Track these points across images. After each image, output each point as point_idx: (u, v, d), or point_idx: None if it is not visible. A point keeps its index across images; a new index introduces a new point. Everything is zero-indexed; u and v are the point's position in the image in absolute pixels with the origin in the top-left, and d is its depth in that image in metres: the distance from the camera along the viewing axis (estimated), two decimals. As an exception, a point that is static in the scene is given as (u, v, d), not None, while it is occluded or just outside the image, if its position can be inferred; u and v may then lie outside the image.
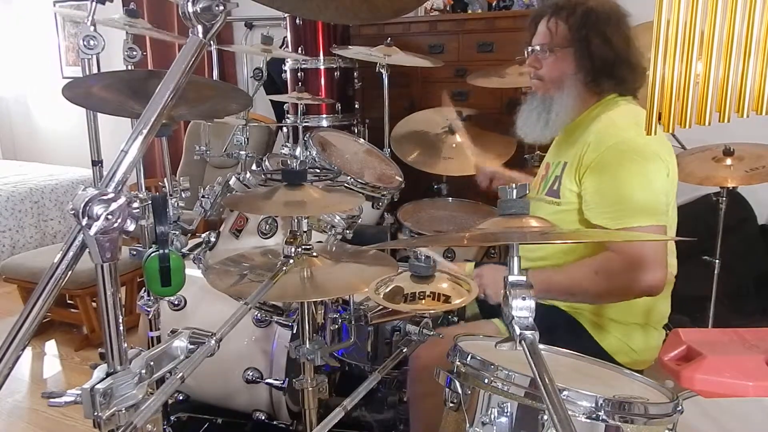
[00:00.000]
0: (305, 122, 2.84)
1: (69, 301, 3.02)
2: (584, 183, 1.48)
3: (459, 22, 3.14)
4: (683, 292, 1.62)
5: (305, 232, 1.24)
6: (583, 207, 1.49)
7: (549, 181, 1.60)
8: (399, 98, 2.93)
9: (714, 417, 1.14)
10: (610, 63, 1.51)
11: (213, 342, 0.95)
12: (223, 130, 3.05)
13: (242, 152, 2.45)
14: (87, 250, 0.68)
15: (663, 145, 1.48)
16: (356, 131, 3.08)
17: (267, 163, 2.05)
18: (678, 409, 0.95)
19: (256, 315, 1.82)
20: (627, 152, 1.43)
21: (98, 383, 0.74)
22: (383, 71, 2.55)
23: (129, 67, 1.78)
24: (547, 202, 1.58)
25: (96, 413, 0.73)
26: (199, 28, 0.73)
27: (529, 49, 1.62)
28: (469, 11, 3.19)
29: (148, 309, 1.65)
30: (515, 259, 0.84)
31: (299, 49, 3.04)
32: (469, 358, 1.02)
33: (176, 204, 1.63)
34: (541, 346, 0.79)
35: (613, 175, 1.43)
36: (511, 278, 0.83)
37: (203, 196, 1.80)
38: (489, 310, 1.71)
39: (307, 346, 1.28)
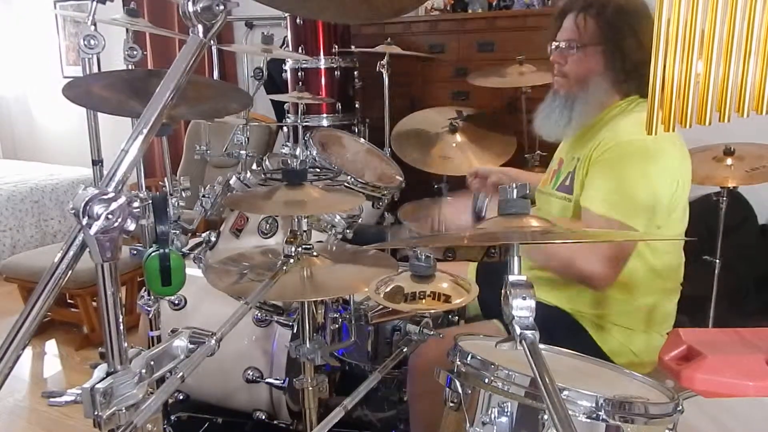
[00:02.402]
0: (305, 122, 2.84)
1: (69, 301, 3.02)
2: (588, 175, 1.48)
3: (459, 21, 3.14)
4: (683, 292, 1.62)
5: (305, 231, 1.24)
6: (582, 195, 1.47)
7: (561, 176, 1.59)
8: (399, 98, 2.93)
9: (714, 417, 1.14)
10: (641, 62, 1.43)
11: (213, 341, 0.95)
12: (223, 130, 3.05)
13: (242, 152, 2.44)
14: (87, 249, 0.68)
15: (677, 150, 1.46)
16: (357, 131, 3.08)
17: (267, 162, 2.05)
18: (678, 408, 0.95)
19: (257, 314, 1.82)
20: (634, 151, 1.42)
21: (98, 383, 0.73)
22: (383, 71, 2.55)
23: (129, 67, 1.78)
24: (558, 198, 1.57)
25: (96, 413, 0.73)
26: (200, 27, 0.73)
27: (554, 45, 1.57)
28: (470, 11, 3.19)
29: (149, 308, 1.65)
30: (515, 258, 0.84)
31: (300, 48, 3.04)
32: (469, 358, 1.02)
33: (176, 203, 1.63)
34: (541, 345, 0.79)
35: (616, 169, 1.42)
36: (511, 278, 0.83)
37: (203, 196, 1.80)
38: (490, 310, 1.71)
39: (308, 345, 1.28)
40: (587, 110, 1.54)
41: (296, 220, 1.23)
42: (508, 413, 0.95)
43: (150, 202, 1.41)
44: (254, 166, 2.03)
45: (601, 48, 1.50)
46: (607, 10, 1.48)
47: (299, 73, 3.04)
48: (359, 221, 1.79)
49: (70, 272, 0.70)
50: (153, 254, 1.03)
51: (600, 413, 0.90)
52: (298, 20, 3.06)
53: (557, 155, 1.72)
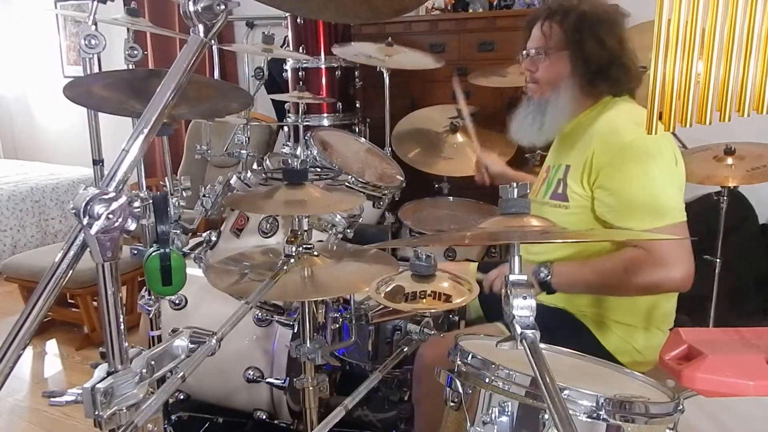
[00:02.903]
0: (306, 121, 2.84)
1: (70, 301, 3.02)
2: (600, 188, 1.46)
3: (460, 21, 3.14)
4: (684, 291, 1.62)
5: (306, 231, 1.24)
6: (604, 211, 1.46)
7: (552, 185, 1.59)
8: (400, 97, 2.93)
9: (715, 416, 1.14)
10: (604, 65, 1.52)
11: (214, 341, 0.95)
12: (224, 130, 3.05)
13: (243, 151, 2.45)
14: (88, 249, 0.68)
15: (669, 140, 1.48)
16: (357, 130, 3.08)
17: (268, 162, 2.05)
18: (679, 408, 0.95)
19: (257, 314, 1.82)
20: (635, 154, 1.42)
21: (99, 382, 0.74)
22: (384, 70, 2.56)
23: (130, 67, 1.78)
24: (553, 206, 1.57)
25: (97, 412, 0.73)
26: (200, 27, 0.73)
27: (524, 52, 1.64)
28: (470, 10, 3.19)
29: (149, 308, 1.65)
30: (516, 258, 0.84)
31: (300, 48, 3.04)
32: (470, 358, 1.02)
33: (177, 203, 1.63)
34: (541, 345, 0.79)
35: (625, 178, 1.42)
36: (511, 277, 0.83)
37: (204, 196, 1.80)
38: (492, 312, 1.71)
39: (308, 345, 1.28)
40: (559, 114, 1.58)
41: (297, 219, 1.23)
42: (509, 413, 0.95)
43: (150, 201, 1.41)
44: (255, 166, 2.03)
45: (566, 53, 1.55)
46: (570, 15, 1.54)
47: (300, 73, 3.04)
48: (360, 221, 1.79)
49: (70, 272, 0.70)
50: (153, 254, 1.03)
51: (601, 413, 0.90)
52: (298, 20, 3.06)
53: (545, 163, 1.74)
